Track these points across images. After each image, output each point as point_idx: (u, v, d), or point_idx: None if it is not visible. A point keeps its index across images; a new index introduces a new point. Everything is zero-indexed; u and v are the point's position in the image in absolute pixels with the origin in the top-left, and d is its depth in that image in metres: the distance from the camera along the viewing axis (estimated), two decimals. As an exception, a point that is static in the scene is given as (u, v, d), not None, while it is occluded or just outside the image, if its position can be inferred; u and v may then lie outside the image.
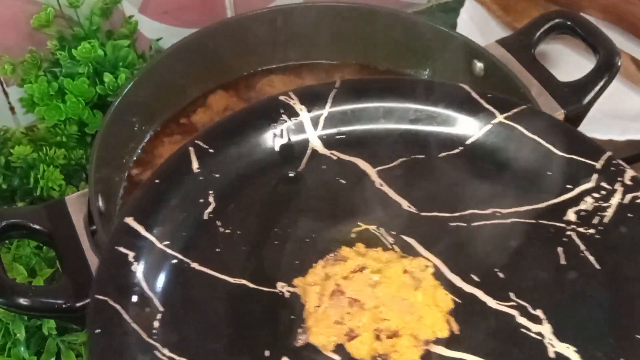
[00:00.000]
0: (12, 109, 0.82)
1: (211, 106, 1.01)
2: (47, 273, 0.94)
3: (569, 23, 1.03)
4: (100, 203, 0.89)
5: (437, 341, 0.71)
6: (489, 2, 1.22)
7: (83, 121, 0.94)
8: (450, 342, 0.71)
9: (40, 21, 0.76)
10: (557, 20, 1.04)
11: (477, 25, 1.21)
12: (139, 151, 1.03)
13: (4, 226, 0.84)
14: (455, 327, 0.71)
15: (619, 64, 0.97)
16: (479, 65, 1.03)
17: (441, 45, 1.06)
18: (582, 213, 0.79)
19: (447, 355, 0.70)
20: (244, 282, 0.76)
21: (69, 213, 0.88)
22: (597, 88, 0.98)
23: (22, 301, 0.80)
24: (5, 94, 0.76)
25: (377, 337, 0.69)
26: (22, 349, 0.89)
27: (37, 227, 0.86)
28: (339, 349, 0.71)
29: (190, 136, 0.86)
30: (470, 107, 0.86)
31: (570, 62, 1.18)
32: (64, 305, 0.81)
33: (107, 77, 0.90)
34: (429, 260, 0.75)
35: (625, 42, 1.13)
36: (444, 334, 0.71)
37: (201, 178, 0.82)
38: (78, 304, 0.81)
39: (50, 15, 0.76)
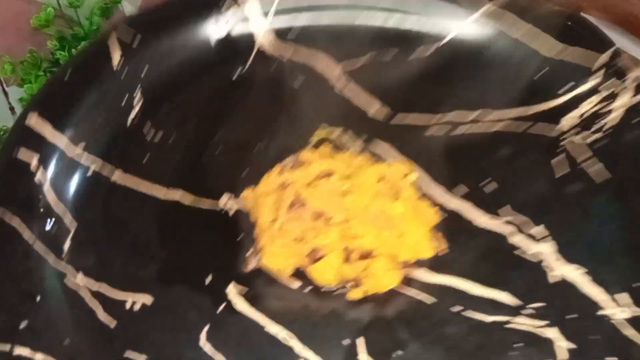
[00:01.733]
0: (12, 109, 0.77)
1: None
2: None
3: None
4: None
5: (420, 263, 0.58)
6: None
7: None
8: (436, 264, 0.58)
9: (40, 21, 0.72)
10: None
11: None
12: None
13: None
14: (443, 246, 0.58)
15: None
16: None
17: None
18: (581, 119, 0.66)
19: (432, 280, 0.58)
20: (179, 196, 0.61)
21: None
22: None
23: None
24: (5, 94, 0.73)
25: (347, 259, 0.56)
26: None
27: None
28: (300, 273, 0.57)
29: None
30: (449, -2, 0.72)
31: None
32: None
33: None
34: (408, 166, 0.61)
35: (625, 43, 1.02)
36: (428, 254, 0.58)
37: (125, 75, 0.66)
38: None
39: (50, 15, 0.72)
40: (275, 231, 0.56)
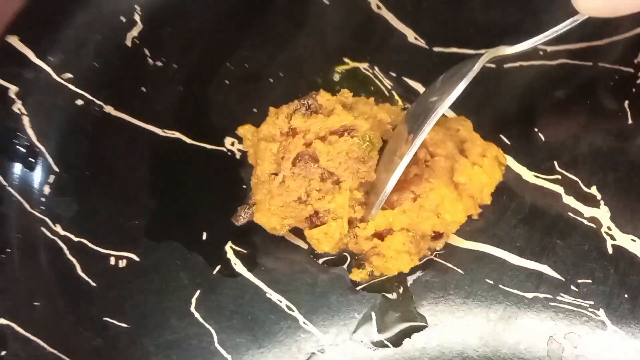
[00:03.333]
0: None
1: None
2: None
3: None
4: None
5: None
6: None
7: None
8: (470, 231, 0.50)
9: None
10: None
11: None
12: None
13: None
14: (478, 210, 0.49)
15: None
16: None
17: None
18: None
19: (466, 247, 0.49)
20: (178, 134, 0.53)
21: None
22: None
23: None
24: None
25: (352, 232, 0.48)
26: None
27: None
28: (296, 234, 0.50)
29: None
30: None
31: None
32: None
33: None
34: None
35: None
36: (461, 219, 0.49)
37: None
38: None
39: None
40: (275, 186, 0.47)
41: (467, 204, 0.48)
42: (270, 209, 0.47)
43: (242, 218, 0.48)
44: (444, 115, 0.49)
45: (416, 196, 0.47)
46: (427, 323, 0.48)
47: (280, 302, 0.48)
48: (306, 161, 0.47)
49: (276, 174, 0.47)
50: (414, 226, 0.47)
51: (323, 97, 0.50)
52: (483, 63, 0.47)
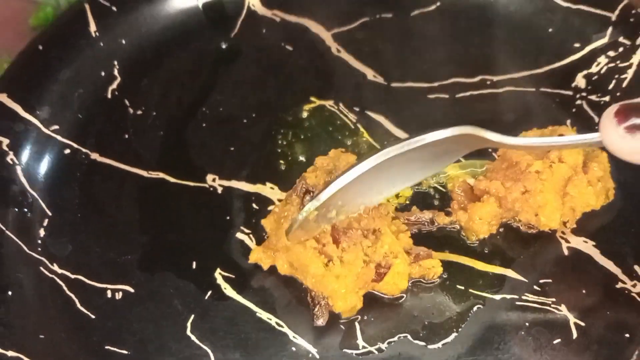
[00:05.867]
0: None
1: None
2: None
3: None
4: None
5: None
6: None
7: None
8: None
9: (38, 20, 0.69)
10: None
11: None
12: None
13: None
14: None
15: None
16: None
17: None
18: (595, 77, 0.61)
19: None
20: (162, 175, 0.57)
21: None
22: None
23: None
24: None
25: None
26: None
27: None
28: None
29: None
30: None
31: None
32: None
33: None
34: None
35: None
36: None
37: (102, 44, 0.62)
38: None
39: (49, 15, 0.69)
40: (339, 269, 0.49)
41: (566, 215, 0.53)
42: (344, 290, 0.49)
43: (321, 316, 0.50)
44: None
45: (526, 190, 0.52)
46: (411, 330, 0.51)
47: (270, 319, 0.51)
48: (344, 232, 0.50)
49: (329, 261, 0.50)
50: (509, 209, 0.53)
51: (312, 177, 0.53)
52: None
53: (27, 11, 0.69)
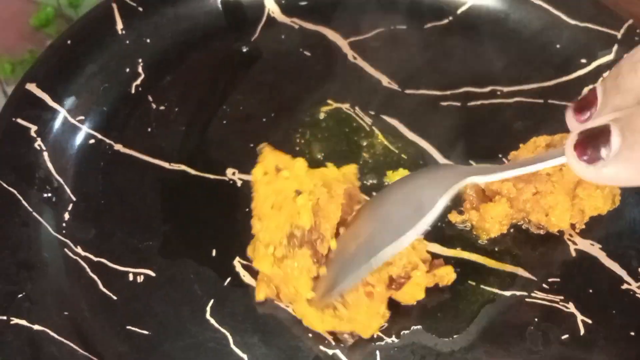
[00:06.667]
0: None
1: None
2: None
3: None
4: None
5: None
6: None
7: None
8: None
9: (39, 21, 0.71)
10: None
11: None
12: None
13: None
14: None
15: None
16: None
17: None
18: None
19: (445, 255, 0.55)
20: (184, 167, 0.59)
21: None
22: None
23: None
24: (5, 94, 0.69)
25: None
26: None
27: None
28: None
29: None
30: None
31: None
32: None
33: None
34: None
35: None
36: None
37: (127, 42, 0.64)
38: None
39: (49, 15, 0.71)
40: (344, 313, 0.49)
41: (575, 216, 0.55)
42: (365, 321, 0.50)
43: (350, 338, 0.51)
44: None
45: (537, 191, 0.54)
46: (424, 322, 0.53)
47: (288, 307, 0.52)
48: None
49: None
50: (520, 210, 0.55)
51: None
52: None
53: (28, 11, 0.70)
